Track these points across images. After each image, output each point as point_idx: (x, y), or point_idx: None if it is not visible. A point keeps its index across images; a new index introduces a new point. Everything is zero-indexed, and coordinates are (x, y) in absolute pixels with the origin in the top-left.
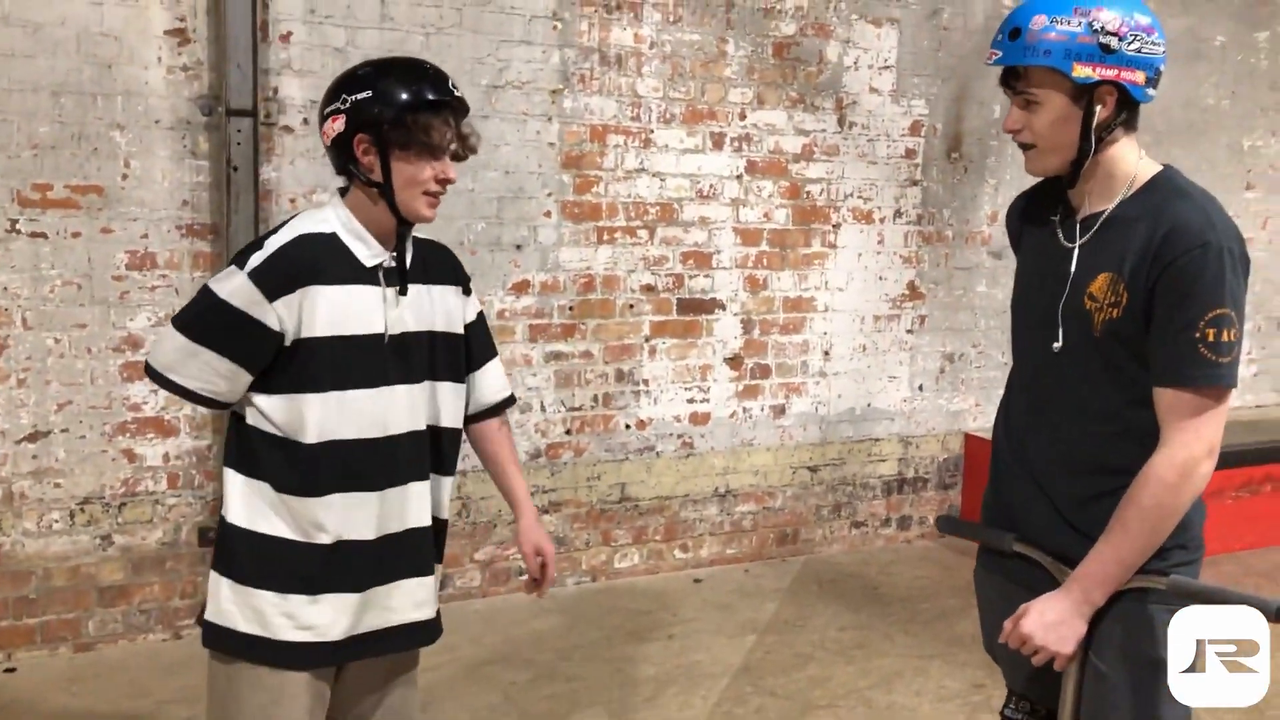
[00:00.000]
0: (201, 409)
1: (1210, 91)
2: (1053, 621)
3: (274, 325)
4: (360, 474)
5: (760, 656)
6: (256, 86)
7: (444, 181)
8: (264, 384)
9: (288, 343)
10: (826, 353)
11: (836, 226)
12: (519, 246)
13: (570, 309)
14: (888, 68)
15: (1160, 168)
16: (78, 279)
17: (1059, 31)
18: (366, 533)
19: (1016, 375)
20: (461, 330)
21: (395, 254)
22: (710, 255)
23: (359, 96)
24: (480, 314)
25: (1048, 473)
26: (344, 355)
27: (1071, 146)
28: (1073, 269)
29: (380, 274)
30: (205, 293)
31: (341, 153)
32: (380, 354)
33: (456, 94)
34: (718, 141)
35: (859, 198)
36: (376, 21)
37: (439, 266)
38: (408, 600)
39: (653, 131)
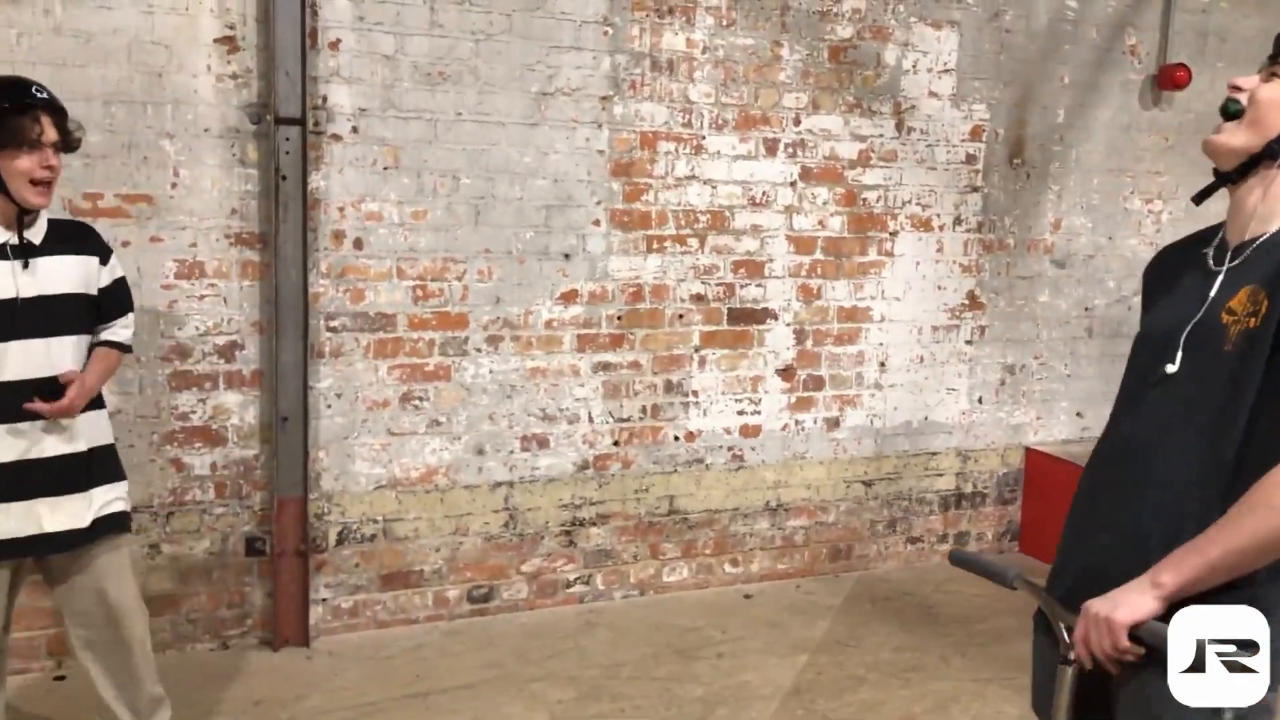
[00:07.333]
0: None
1: None
2: (1116, 597)
3: None
4: (11, 410)
5: (812, 677)
6: (305, 94)
7: (49, 168)
8: None
9: None
10: (882, 364)
11: (894, 234)
12: (567, 255)
13: (619, 319)
14: (948, 71)
15: None
16: None
17: None
18: (14, 455)
19: (1118, 408)
20: (95, 292)
21: (19, 234)
22: (763, 264)
23: None
24: (118, 280)
25: (1144, 516)
26: None
27: (1264, 138)
28: (1213, 291)
29: (8, 250)
30: None
31: None
32: (11, 313)
33: (41, 96)
34: (771, 148)
35: (917, 205)
36: (426, 28)
37: (76, 241)
38: (59, 512)
39: (704, 138)
